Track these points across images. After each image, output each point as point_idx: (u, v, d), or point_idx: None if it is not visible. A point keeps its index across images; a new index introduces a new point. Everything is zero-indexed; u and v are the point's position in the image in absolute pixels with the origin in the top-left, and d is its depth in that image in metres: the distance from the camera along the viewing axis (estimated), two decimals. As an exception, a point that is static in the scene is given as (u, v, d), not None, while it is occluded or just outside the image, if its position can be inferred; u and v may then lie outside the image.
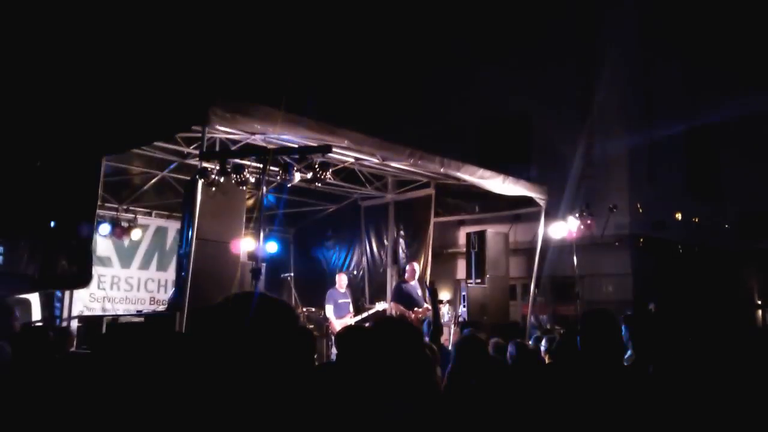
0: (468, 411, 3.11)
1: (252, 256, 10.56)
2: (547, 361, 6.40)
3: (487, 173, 10.16)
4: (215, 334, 1.57)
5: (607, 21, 13.60)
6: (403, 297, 10.15)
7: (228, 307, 1.58)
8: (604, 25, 13.58)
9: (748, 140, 15.78)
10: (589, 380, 3.25)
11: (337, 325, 10.05)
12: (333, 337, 10.06)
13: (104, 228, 11.11)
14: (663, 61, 14.02)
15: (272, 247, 12.80)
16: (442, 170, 9.79)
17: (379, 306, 10.77)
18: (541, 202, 11.02)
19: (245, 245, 7.82)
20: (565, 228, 11.26)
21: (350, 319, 10.22)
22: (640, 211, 13.01)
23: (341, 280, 10.79)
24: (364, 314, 10.69)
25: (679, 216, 13.63)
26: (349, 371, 4.12)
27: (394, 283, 11.11)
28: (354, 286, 12.74)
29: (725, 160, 15.57)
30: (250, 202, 9.70)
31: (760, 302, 15.27)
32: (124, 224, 11.47)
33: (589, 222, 11.38)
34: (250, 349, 1.53)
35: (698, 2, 14.60)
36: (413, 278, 10.39)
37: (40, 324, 8.48)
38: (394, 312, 10.09)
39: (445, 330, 10.73)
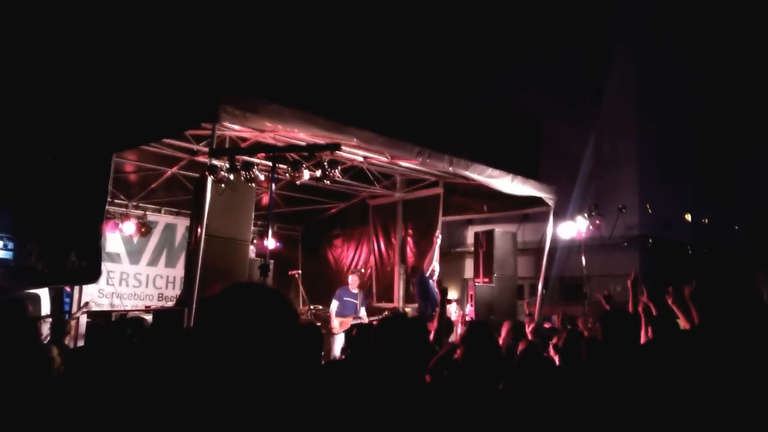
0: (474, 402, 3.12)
1: (260, 253, 10.61)
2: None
3: (496, 172, 10.14)
4: (213, 328, 1.55)
5: (617, 20, 13.54)
6: (429, 294, 10.11)
7: (225, 301, 1.56)
8: (614, 24, 13.52)
9: (760, 139, 15.69)
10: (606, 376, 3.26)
11: (336, 322, 10.22)
12: (334, 335, 10.19)
13: (129, 227, 11.25)
14: (674, 60, 13.93)
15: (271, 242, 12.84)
16: (450, 169, 9.77)
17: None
18: (550, 202, 10.99)
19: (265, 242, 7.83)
20: (574, 228, 11.23)
21: (352, 319, 10.31)
22: (650, 211, 12.93)
23: (353, 280, 10.90)
24: (373, 319, 10.74)
25: (688, 217, 13.55)
26: (358, 368, 4.13)
27: (415, 280, 10.87)
28: (362, 285, 12.76)
29: (737, 160, 15.47)
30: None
31: (770, 304, 15.15)
32: (134, 221, 11.54)
33: (597, 222, 11.34)
34: (250, 345, 1.51)
35: (709, 5, 14.52)
36: (432, 276, 10.40)
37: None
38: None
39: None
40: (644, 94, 13.60)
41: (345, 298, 10.63)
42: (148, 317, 8.03)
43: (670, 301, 6.27)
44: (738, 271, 13.61)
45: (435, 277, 10.69)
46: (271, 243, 7.75)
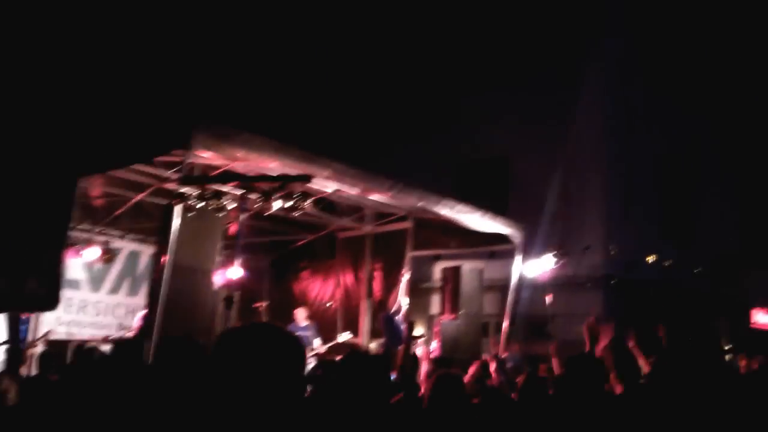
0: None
1: (225, 284, 10.44)
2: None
3: (466, 208, 10.22)
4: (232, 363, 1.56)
5: (585, 61, 13.91)
6: (395, 330, 10.15)
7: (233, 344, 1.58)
8: (582, 65, 13.88)
9: (723, 183, 16.19)
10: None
11: None
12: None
13: (92, 253, 10.95)
14: (641, 102, 14.35)
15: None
16: (420, 204, 9.82)
17: (341, 338, 10.69)
18: (516, 240, 11.08)
19: (231, 273, 7.73)
20: (540, 266, 11.33)
21: (308, 352, 10.22)
22: (612, 252, 13.15)
23: (298, 315, 10.83)
24: (329, 345, 10.61)
25: (651, 258, 13.81)
26: (324, 407, 4.05)
27: (382, 315, 10.91)
28: (327, 318, 12.61)
29: (698, 204, 15.86)
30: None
31: (729, 346, 15.43)
32: (98, 247, 11.27)
33: (563, 261, 11.47)
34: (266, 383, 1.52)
35: (677, 42, 15.02)
36: (399, 311, 10.44)
37: None
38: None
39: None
40: (610, 136, 13.95)
41: (296, 333, 10.49)
42: (107, 347, 7.82)
43: (630, 345, 6.33)
44: (700, 316, 13.87)
45: (402, 313, 10.69)
46: (237, 274, 7.65)
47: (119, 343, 8.69)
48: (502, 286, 12.55)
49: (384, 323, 10.41)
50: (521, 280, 11.45)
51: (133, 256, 12.00)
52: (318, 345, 10.53)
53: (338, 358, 9.34)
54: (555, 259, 11.04)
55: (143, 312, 10.21)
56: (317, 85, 16.86)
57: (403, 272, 11.86)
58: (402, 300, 10.92)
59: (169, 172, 9.02)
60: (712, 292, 14.58)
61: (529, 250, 11.73)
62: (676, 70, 15.10)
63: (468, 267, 11.54)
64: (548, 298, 10.93)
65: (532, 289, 11.99)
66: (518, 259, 11.22)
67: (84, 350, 6.81)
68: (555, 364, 7.71)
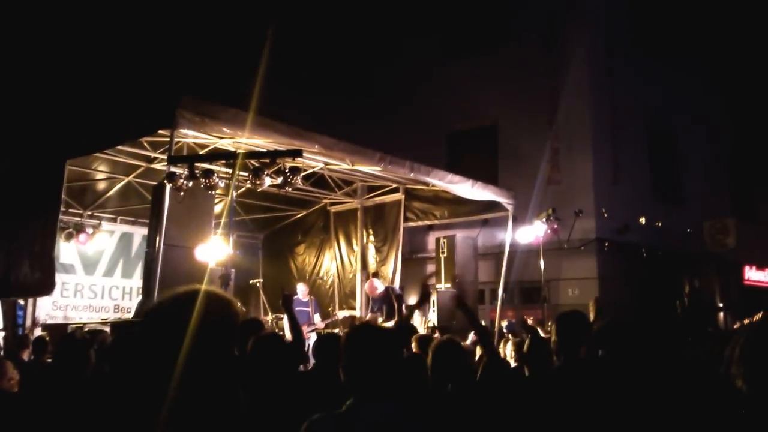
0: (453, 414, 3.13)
1: (221, 262, 10.47)
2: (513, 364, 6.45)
3: (456, 178, 10.22)
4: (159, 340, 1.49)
5: (573, 27, 13.82)
6: (391, 301, 10.30)
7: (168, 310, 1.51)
8: (570, 31, 13.80)
9: (710, 143, 16.22)
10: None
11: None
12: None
13: (83, 237, 11.03)
14: (628, 65, 14.30)
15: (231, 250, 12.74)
16: (411, 175, 9.81)
17: (340, 314, 10.81)
18: (509, 207, 11.11)
19: (213, 251, 7.71)
20: (532, 233, 11.38)
21: (306, 327, 10.33)
22: (605, 215, 13.20)
23: (300, 289, 10.93)
24: (327, 321, 10.74)
25: (642, 220, 13.88)
26: (331, 378, 4.09)
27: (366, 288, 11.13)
28: (323, 292, 12.70)
29: (688, 164, 15.92)
30: (219, 207, 9.63)
31: (721, 305, 15.62)
32: (89, 230, 11.26)
33: (555, 227, 11.52)
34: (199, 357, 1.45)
35: (663, 7, 14.96)
36: (373, 292, 10.49)
37: None
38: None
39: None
40: (598, 100, 13.91)
41: (297, 308, 10.59)
42: (106, 329, 7.85)
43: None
44: (691, 273, 13.96)
45: (397, 284, 10.78)
46: (230, 251, 7.65)
47: (118, 326, 8.72)
48: (495, 254, 12.63)
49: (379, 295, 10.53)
50: (514, 246, 11.51)
51: (126, 238, 11.99)
52: (318, 321, 10.62)
53: (335, 330, 9.47)
54: (547, 225, 11.08)
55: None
56: (304, 60, 16.70)
57: (397, 243, 11.91)
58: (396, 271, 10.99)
59: (158, 152, 8.98)
60: (703, 251, 14.70)
61: (522, 216, 11.78)
62: (662, 32, 15.03)
63: (461, 236, 11.58)
64: (542, 264, 11.02)
65: (526, 255, 12.07)
66: (510, 226, 11.26)
67: (85, 334, 6.82)
68: (541, 332, 7.84)
